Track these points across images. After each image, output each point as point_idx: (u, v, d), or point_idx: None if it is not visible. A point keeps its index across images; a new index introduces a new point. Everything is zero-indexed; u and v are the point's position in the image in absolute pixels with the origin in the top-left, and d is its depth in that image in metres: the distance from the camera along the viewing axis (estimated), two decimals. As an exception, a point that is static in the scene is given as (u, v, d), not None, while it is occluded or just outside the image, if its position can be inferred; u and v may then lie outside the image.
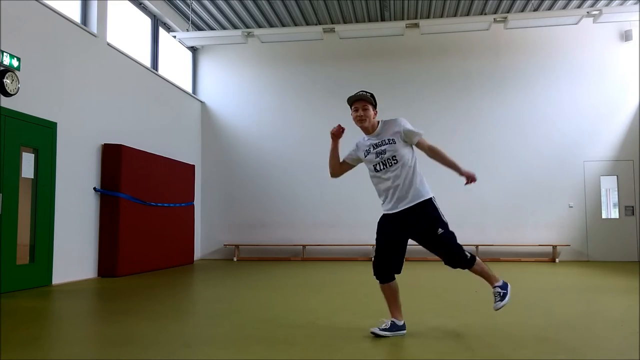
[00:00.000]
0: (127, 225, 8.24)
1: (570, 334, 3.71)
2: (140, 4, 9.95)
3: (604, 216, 10.98)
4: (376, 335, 3.53)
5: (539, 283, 6.93)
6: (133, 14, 9.83)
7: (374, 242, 3.70)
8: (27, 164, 6.64)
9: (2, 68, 6.17)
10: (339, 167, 3.92)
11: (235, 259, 11.46)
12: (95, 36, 8.11)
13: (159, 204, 9.30)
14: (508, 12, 10.86)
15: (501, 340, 3.49)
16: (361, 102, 3.63)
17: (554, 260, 10.51)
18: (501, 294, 3.59)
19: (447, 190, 11.30)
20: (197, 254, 11.64)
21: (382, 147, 3.59)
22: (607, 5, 10.43)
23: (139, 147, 9.02)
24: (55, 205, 7.09)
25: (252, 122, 12.04)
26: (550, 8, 10.69)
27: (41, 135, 6.85)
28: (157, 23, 10.55)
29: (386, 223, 3.62)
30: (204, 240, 11.94)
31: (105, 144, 8.22)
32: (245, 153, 11.99)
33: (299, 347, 3.36)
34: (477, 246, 10.69)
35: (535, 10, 10.76)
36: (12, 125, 6.33)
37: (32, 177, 6.72)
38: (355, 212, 11.22)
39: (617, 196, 10.93)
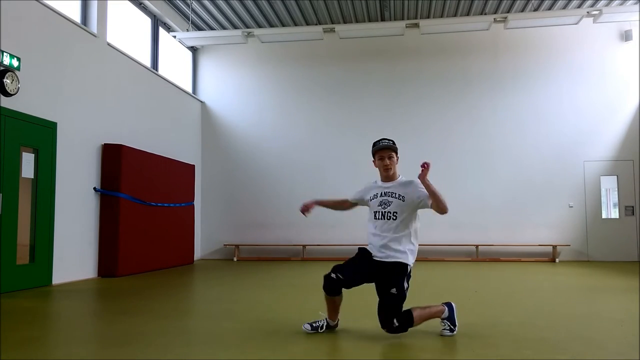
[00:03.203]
0: (127, 225, 8.24)
1: (570, 334, 3.71)
2: (140, 4, 9.95)
3: (604, 216, 10.98)
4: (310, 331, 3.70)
5: (539, 283, 6.93)
6: (133, 14, 9.83)
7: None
8: (27, 164, 6.64)
9: (2, 68, 6.17)
10: (340, 206, 4.26)
11: (235, 259, 11.46)
12: (95, 36, 8.11)
13: (159, 204, 9.30)
14: (508, 12, 10.86)
15: (501, 340, 3.49)
16: (387, 152, 3.71)
17: (554, 260, 10.51)
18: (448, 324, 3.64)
19: (447, 191, 11.34)
20: (197, 254, 11.64)
21: (390, 199, 3.66)
22: (607, 5, 10.43)
23: (139, 147, 9.02)
24: (55, 205, 7.09)
25: (252, 122, 12.04)
26: (550, 8, 10.69)
27: (41, 135, 6.85)
28: (157, 23, 10.55)
29: (365, 257, 3.70)
30: (204, 240, 11.94)
31: (105, 144, 8.22)
32: (245, 153, 11.99)
33: (299, 346, 3.36)
34: (477, 246, 10.69)
35: (535, 10, 10.76)
36: (12, 125, 6.33)
37: (32, 177, 6.72)
38: (355, 211, 11.13)
39: (617, 196, 10.93)
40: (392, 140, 3.76)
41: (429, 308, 3.62)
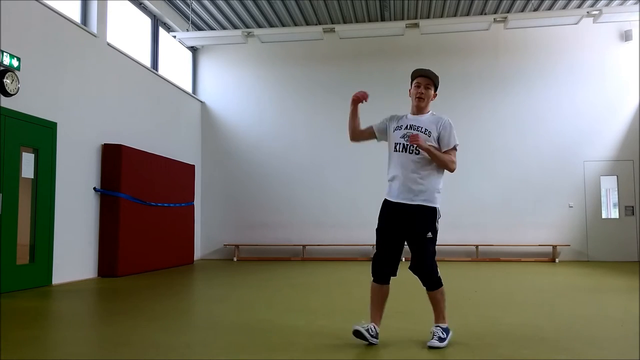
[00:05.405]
0: (127, 225, 8.24)
1: (570, 334, 3.71)
2: (140, 4, 9.95)
3: (604, 216, 10.98)
4: (359, 336, 3.29)
5: (539, 283, 6.93)
6: (133, 14, 9.82)
7: (373, 242, 3.63)
8: (27, 164, 6.63)
9: (2, 68, 6.17)
10: (359, 132, 3.67)
11: (235, 259, 11.46)
12: (95, 36, 8.11)
13: (159, 204, 9.30)
14: (508, 12, 10.86)
15: (501, 340, 3.49)
16: (425, 79, 3.45)
17: (554, 260, 10.51)
18: (439, 336, 3.29)
19: (447, 191, 11.35)
20: (197, 254, 11.64)
21: (415, 133, 3.37)
22: (607, 5, 10.43)
23: (139, 147, 9.02)
24: (55, 205, 7.09)
25: (252, 122, 12.04)
26: (550, 8, 10.69)
27: (41, 135, 6.85)
28: (157, 23, 10.55)
29: (387, 211, 3.40)
30: (204, 240, 11.94)
31: (105, 144, 8.22)
32: (245, 153, 12.00)
33: (299, 347, 3.36)
34: (476, 246, 10.69)
35: (535, 10, 10.76)
36: (12, 125, 6.33)
37: (32, 177, 6.71)
38: (355, 212, 11.21)
39: (617, 196, 10.93)
40: (436, 75, 3.51)
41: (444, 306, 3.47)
